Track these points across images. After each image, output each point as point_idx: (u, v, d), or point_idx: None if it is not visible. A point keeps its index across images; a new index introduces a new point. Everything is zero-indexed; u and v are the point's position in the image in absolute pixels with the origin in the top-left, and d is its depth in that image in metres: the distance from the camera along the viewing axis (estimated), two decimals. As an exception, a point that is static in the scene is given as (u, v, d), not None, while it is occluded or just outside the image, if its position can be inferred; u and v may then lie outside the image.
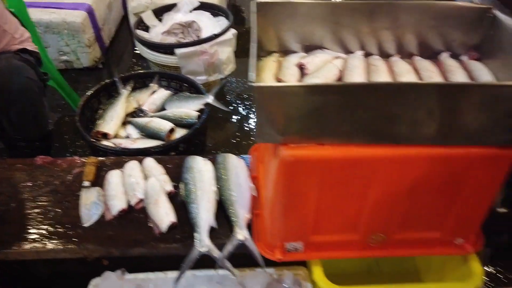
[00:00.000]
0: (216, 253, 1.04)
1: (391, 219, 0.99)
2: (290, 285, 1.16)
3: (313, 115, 0.81)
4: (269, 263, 1.10)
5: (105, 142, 1.54)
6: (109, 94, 1.78)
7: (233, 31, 2.08)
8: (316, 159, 0.85)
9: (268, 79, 0.94)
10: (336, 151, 0.85)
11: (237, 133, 2.07)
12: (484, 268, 1.32)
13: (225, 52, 2.05)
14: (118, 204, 1.14)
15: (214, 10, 2.35)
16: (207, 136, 1.86)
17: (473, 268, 1.07)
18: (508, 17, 0.94)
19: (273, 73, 0.97)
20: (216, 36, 2.00)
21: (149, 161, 1.28)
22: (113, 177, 1.23)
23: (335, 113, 0.81)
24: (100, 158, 1.34)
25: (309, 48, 1.09)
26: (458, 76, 0.96)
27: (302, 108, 0.80)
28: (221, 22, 2.21)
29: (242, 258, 1.08)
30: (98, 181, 1.25)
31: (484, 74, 0.96)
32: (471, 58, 1.04)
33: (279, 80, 0.95)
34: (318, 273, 1.05)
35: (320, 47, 1.08)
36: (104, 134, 1.57)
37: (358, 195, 0.93)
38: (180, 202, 1.16)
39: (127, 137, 1.59)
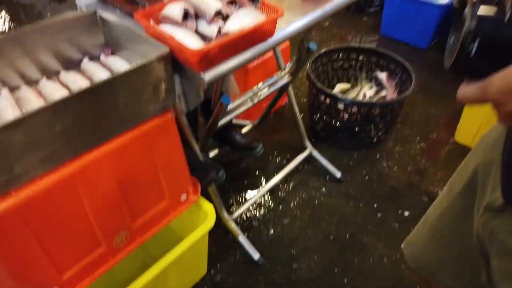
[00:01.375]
0: None
1: (121, 215, 1.08)
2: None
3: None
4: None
5: None
6: None
7: None
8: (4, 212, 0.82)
9: None
10: (21, 195, 0.84)
11: None
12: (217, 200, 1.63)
13: None
14: None
15: None
16: None
17: (205, 209, 1.30)
18: (109, 15, 1.11)
19: None
20: None
21: None
22: None
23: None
24: None
25: None
26: (101, 74, 1.08)
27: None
28: None
29: None
30: None
31: (121, 65, 1.11)
32: (107, 55, 1.18)
33: None
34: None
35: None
36: None
37: (77, 213, 0.96)
38: None
39: None
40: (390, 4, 2.95)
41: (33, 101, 0.98)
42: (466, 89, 0.46)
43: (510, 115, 0.42)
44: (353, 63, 2.22)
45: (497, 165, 0.63)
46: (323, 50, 2.17)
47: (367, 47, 2.19)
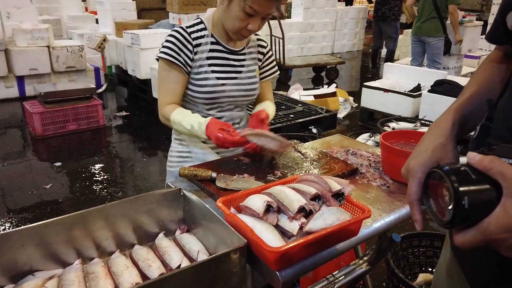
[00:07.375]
0: None
1: None
2: None
3: None
4: None
5: None
6: None
7: None
8: None
9: None
10: None
11: None
12: None
13: None
14: None
15: None
16: None
17: None
18: (192, 194, 1.14)
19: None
20: None
21: None
22: None
23: None
24: None
25: (18, 277, 0.98)
26: (173, 255, 1.04)
27: None
28: None
29: None
30: None
31: (193, 245, 1.08)
32: (182, 231, 1.17)
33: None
34: None
35: (31, 272, 0.99)
36: None
37: None
38: None
39: None
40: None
41: (100, 279, 0.95)
42: (465, 237, 0.53)
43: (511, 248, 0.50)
44: (438, 252, 2.00)
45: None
46: (402, 235, 2.01)
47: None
